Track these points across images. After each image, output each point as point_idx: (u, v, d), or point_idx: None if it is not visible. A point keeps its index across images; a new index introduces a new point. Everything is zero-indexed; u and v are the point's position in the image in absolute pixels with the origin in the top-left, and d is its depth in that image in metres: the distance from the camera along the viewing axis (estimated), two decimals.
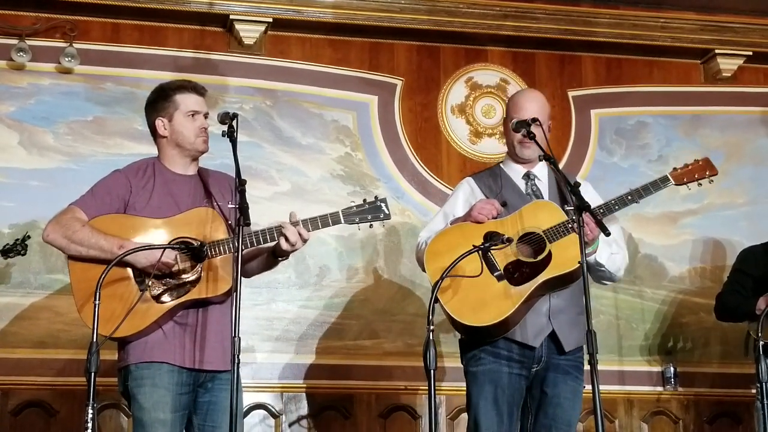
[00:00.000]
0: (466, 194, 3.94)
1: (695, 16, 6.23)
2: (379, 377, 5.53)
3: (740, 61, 6.34)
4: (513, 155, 3.95)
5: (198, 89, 3.70)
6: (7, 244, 4.90)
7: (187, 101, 3.65)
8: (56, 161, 5.43)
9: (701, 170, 3.87)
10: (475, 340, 3.71)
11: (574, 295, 3.74)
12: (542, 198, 3.85)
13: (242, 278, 3.69)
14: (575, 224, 3.51)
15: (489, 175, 3.98)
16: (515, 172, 3.94)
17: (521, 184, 3.91)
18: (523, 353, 3.68)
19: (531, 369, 3.70)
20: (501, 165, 4.03)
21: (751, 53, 6.31)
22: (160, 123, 3.67)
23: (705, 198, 6.17)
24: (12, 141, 5.40)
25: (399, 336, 5.60)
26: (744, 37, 6.29)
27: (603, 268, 3.81)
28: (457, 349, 3.88)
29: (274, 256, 3.63)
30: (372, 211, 3.59)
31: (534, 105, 3.88)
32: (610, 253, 3.80)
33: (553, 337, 3.69)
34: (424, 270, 3.87)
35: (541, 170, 3.95)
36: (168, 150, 3.69)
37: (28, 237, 4.91)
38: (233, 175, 3.46)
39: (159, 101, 3.70)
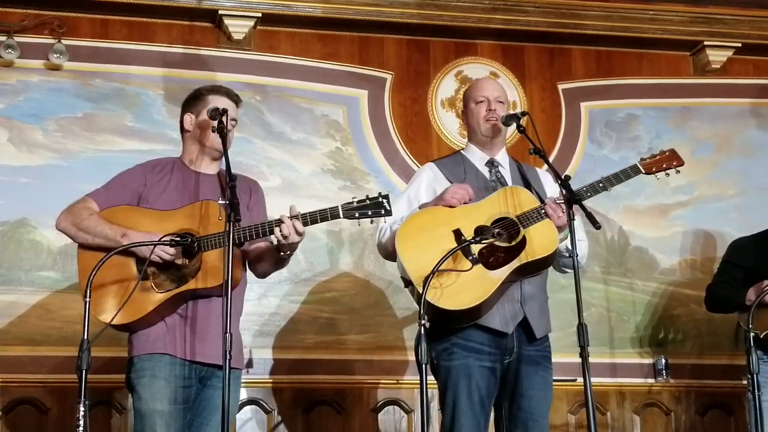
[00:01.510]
0: (429, 179, 3.91)
1: (684, 8, 6.23)
2: (372, 372, 5.53)
3: (729, 53, 6.35)
4: (477, 139, 3.95)
5: (231, 95, 3.86)
6: None
7: (216, 102, 3.75)
8: (46, 158, 5.41)
9: (669, 161, 3.92)
10: (444, 331, 3.67)
11: (543, 282, 3.79)
12: (507, 185, 3.84)
13: (256, 276, 3.86)
14: (552, 211, 3.59)
15: (451, 162, 3.97)
16: (478, 159, 3.94)
17: (485, 171, 3.90)
18: (494, 344, 3.65)
19: (503, 361, 3.68)
20: (462, 152, 4.02)
21: (740, 45, 6.32)
22: (188, 118, 3.83)
23: (695, 190, 6.19)
24: (1, 138, 5.38)
25: (391, 330, 5.60)
26: (733, 29, 6.30)
27: (569, 255, 3.78)
28: None
29: (278, 251, 3.65)
30: (373, 207, 3.57)
31: (492, 84, 4.03)
32: (577, 239, 3.79)
33: (523, 324, 3.68)
34: (386, 255, 3.87)
35: (503, 157, 3.97)
36: (189, 145, 3.83)
37: None
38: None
39: (193, 99, 3.86)
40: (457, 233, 3.60)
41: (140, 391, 3.51)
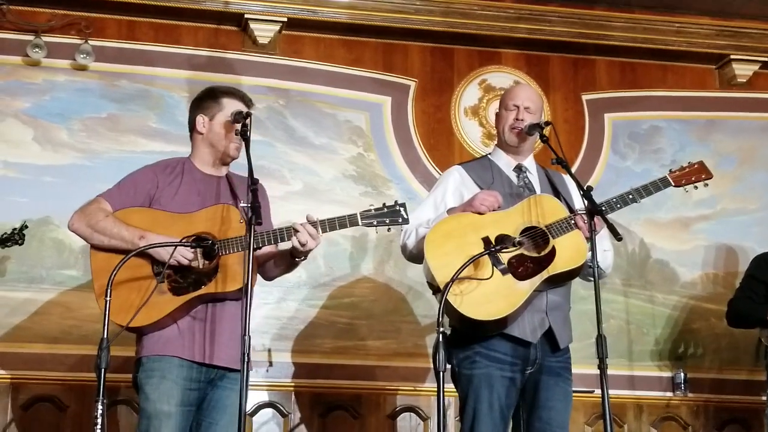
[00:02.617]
0: (456, 183, 3.89)
1: (710, 21, 6.20)
2: (389, 378, 5.53)
3: (755, 67, 6.32)
4: (504, 144, 3.94)
5: (246, 100, 3.77)
6: (5, 233, 4.89)
7: (232, 106, 3.70)
8: (70, 157, 5.45)
9: (697, 173, 3.91)
10: (467, 339, 3.65)
11: (567, 292, 3.77)
12: (534, 191, 3.83)
13: (265, 280, 3.82)
14: (583, 223, 3.56)
15: (479, 166, 3.95)
16: (506, 163, 3.93)
17: (513, 177, 3.89)
18: (517, 354, 3.64)
19: (525, 372, 3.67)
20: (490, 156, 4.01)
21: (766, 59, 6.28)
22: (201, 120, 3.75)
23: (717, 203, 6.16)
24: (26, 137, 5.43)
25: (409, 337, 5.60)
26: (759, 43, 6.27)
27: (591, 266, 3.77)
28: None
29: (291, 257, 3.65)
30: (391, 214, 3.58)
31: (525, 92, 3.98)
32: (603, 249, 3.78)
33: (547, 334, 3.66)
34: (409, 257, 3.84)
35: (530, 163, 3.96)
36: (201, 148, 3.77)
37: (26, 227, 4.92)
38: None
39: (206, 99, 3.78)
40: (486, 241, 3.59)
41: (148, 391, 3.49)
